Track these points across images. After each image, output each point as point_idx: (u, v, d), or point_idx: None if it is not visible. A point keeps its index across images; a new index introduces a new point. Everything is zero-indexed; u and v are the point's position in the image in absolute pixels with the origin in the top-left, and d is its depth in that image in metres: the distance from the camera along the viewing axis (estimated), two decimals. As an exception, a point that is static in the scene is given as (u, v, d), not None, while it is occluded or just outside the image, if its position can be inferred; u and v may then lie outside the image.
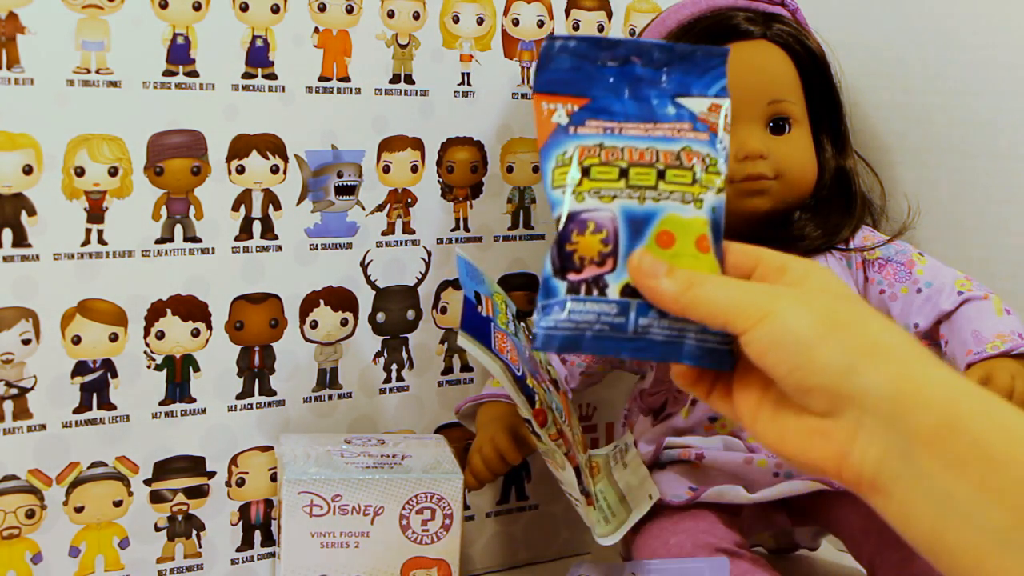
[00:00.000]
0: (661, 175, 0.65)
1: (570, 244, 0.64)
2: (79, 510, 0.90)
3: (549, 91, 0.67)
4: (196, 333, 0.94)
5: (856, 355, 0.58)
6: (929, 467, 0.55)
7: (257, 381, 0.97)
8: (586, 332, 0.63)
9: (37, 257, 0.87)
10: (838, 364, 0.58)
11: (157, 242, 0.91)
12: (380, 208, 1.01)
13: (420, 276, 1.04)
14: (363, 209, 1.00)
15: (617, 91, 0.67)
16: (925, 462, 0.55)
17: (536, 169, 1.08)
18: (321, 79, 0.97)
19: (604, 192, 0.64)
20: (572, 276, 0.63)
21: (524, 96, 1.06)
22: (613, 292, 0.63)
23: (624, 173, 0.65)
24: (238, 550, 0.98)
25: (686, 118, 0.66)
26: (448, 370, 1.06)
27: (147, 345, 0.92)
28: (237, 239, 0.95)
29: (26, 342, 0.87)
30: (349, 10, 0.97)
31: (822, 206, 0.99)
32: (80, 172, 0.87)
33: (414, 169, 1.02)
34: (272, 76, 0.94)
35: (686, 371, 0.66)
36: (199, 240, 0.93)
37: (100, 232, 0.89)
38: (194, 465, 0.95)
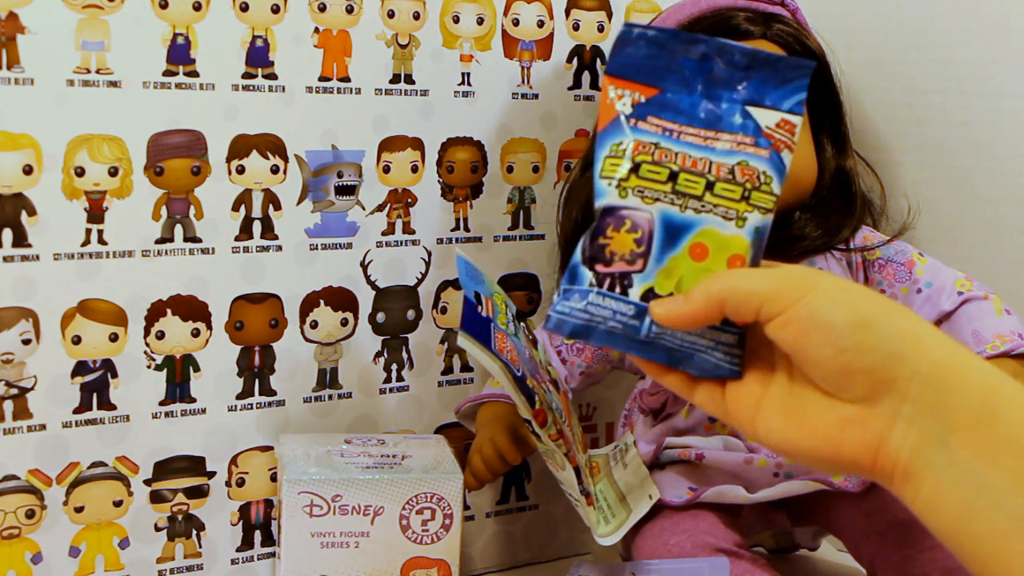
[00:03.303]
0: (710, 187, 0.64)
1: (604, 237, 0.64)
2: (79, 510, 0.90)
3: (621, 75, 0.66)
4: (196, 333, 0.94)
5: (903, 340, 0.57)
6: (964, 454, 0.55)
7: (257, 381, 0.97)
8: (599, 325, 0.63)
9: (37, 257, 0.87)
10: (887, 347, 0.57)
11: (157, 242, 0.91)
12: (380, 208, 1.01)
13: (420, 276, 1.04)
14: (363, 209, 1.00)
15: (690, 87, 0.66)
16: (960, 449, 0.55)
17: (536, 169, 1.08)
18: (321, 79, 0.97)
19: (648, 193, 0.64)
20: (600, 268, 0.64)
21: (524, 96, 1.06)
22: (635, 293, 0.63)
23: (673, 177, 0.64)
24: (238, 550, 0.98)
25: (751, 131, 0.65)
26: (448, 370, 1.06)
27: (147, 345, 0.92)
28: (237, 239, 0.95)
29: (26, 342, 0.87)
30: (349, 10, 0.97)
31: (822, 206, 0.99)
32: (80, 172, 0.87)
33: (414, 169, 1.02)
34: (272, 76, 0.94)
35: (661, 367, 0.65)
36: (199, 240, 0.93)
37: (100, 232, 0.89)
38: (194, 465, 0.95)
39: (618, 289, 0.63)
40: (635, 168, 0.64)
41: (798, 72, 0.65)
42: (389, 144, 1.00)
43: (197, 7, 0.91)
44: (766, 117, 0.65)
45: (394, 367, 1.03)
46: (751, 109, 0.65)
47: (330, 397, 1.01)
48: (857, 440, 0.58)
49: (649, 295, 0.63)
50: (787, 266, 0.63)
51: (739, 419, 0.63)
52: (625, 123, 0.65)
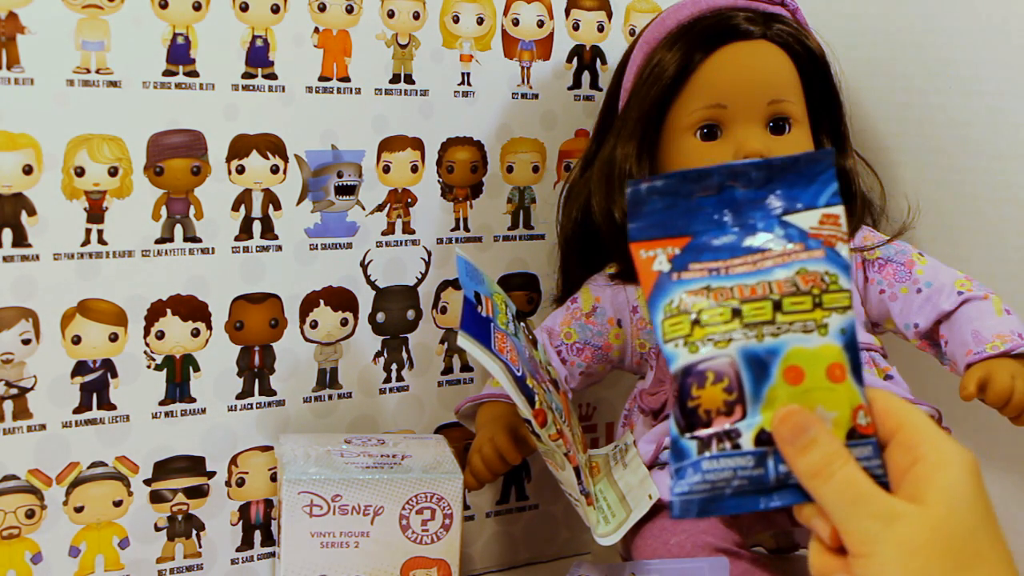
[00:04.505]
0: (777, 307, 0.60)
1: (692, 400, 0.60)
2: (79, 510, 0.90)
3: (645, 238, 0.62)
4: (196, 333, 0.94)
5: None
6: None
7: (257, 381, 0.97)
8: (725, 490, 0.60)
9: (37, 257, 0.87)
10: None
11: (157, 242, 0.91)
12: (380, 208, 1.01)
13: (420, 276, 1.04)
14: (363, 209, 1.00)
15: (719, 223, 0.62)
16: None
17: (536, 169, 1.08)
18: (321, 79, 0.97)
19: (719, 337, 0.60)
20: (700, 432, 0.60)
21: (524, 96, 1.06)
22: (747, 441, 0.59)
23: (737, 313, 0.60)
24: (238, 550, 0.98)
25: (796, 238, 0.62)
26: (448, 370, 1.06)
27: (147, 345, 0.92)
28: (237, 239, 0.95)
29: (26, 342, 0.87)
30: (349, 10, 0.97)
31: (822, 206, 0.99)
32: (80, 172, 0.87)
33: (414, 169, 1.02)
34: (272, 76, 0.94)
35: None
36: (199, 240, 0.93)
37: (100, 232, 0.89)
38: (194, 465, 0.95)
39: (728, 445, 0.59)
40: (696, 320, 0.61)
41: (821, 165, 0.62)
42: (389, 144, 1.00)
43: (197, 7, 0.91)
44: (806, 219, 0.62)
45: (394, 367, 1.03)
46: (788, 218, 0.62)
47: (330, 397, 1.01)
48: None
49: (762, 436, 0.59)
50: (873, 505, 0.58)
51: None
52: (668, 280, 0.62)
